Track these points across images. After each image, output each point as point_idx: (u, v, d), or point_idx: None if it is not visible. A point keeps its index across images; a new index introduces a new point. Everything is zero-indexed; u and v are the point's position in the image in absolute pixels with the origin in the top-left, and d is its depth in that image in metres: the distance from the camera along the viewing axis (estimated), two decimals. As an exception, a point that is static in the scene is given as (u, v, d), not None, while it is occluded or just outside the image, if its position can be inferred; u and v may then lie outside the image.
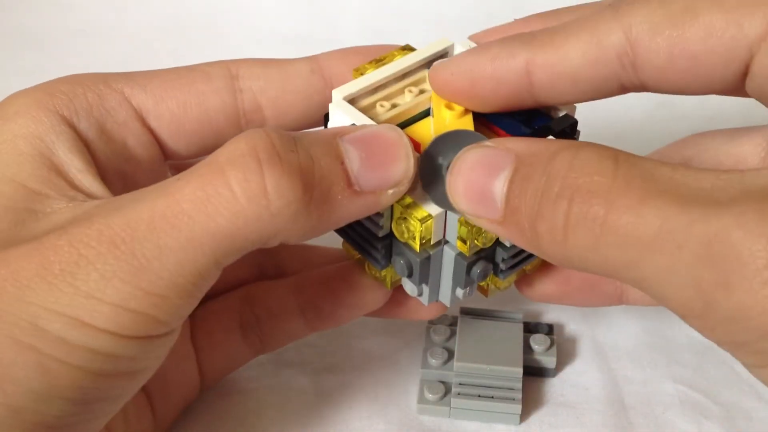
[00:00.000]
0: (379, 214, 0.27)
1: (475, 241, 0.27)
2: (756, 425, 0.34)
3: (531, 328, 0.37)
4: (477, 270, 0.29)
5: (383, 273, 0.30)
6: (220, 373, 0.34)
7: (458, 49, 0.31)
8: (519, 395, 0.34)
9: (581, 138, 0.29)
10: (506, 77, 0.27)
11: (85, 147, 0.28)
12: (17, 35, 0.57)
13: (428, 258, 0.28)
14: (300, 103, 0.31)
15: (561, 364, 0.37)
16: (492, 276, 0.30)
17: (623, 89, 0.27)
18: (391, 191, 0.26)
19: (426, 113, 0.30)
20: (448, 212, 0.27)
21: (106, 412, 0.26)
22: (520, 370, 0.34)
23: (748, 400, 0.35)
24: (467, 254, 0.28)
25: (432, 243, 0.28)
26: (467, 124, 0.28)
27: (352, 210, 0.26)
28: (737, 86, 0.25)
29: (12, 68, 0.54)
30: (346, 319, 0.33)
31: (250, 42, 0.57)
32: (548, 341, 0.36)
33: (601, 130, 0.47)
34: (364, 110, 0.29)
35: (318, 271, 0.34)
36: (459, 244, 0.28)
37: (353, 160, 0.26)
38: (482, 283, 0.31)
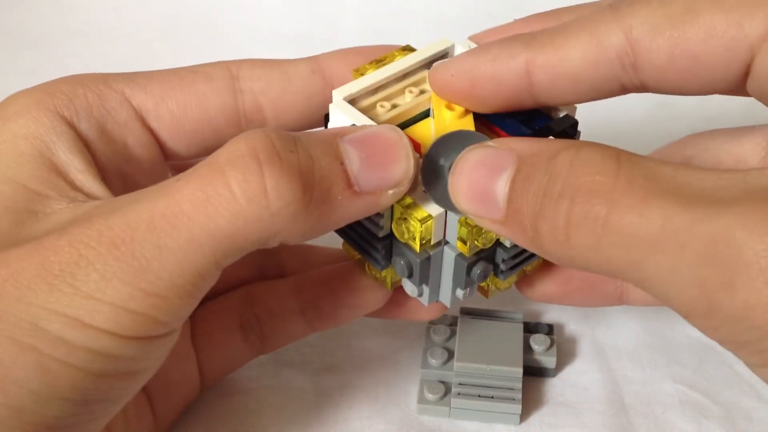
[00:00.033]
0: (379, 215, 0.27)
1: (476, 242, 0.27)
2: (756, 425, 0.34)
3: (531, 328, 0.37)
4: (477, 270, 0.29)
5: (383, 273, 0.30)
6: (220, 373, 0.34)
7: (458, 50, 0.31)
8: (519, 395, 0.34)
9: (582, 138, 0.29)
10: (506, 78, 0.27)
11: (86, 147, 0.28)
12: (17, 35, 0.57)
13: (428, 258, 0.28)
14: (300, 103, 0.31)
15: (561, 364, 0.37)
16: (492, 276, 0.30)
17: (624, 90, 0.27)
18: (391, 192, 0.26)
19: (426, 114, 0.30)
20: (448, 213, 0.27)
21: (107, 412, 0.26)
22: (520, 370, 0.34)
23: (748, 400, 0.35)
24: (467, 255, 0.28)
25: (432, 243, 0.28)
26: (468, 124, 0.28)
27: (352, 210, 0.26)
28: (738, 86, 0.25)
29: (12, 68, 0.54)
30: (347, 319, 0.33)
31: (250, 42, 0.57)
32: (548, 341, 0.36)
33: (602, 131, 0.47)
34: (365, 111, 0.29)
35: (318, 271, 0.34)
36: (459, 244, 0.28)
37: (353, 161, 0.26)
38: (482, 284, 0.31)
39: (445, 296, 0.30)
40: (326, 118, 0.30)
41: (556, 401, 0.35)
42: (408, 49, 0.31)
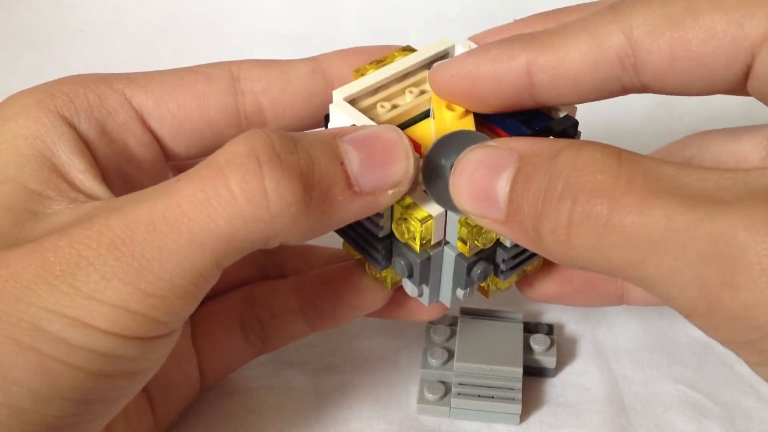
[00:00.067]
0: (379, 215, 0.27)
1: (476, 242, 0.27)
2: (756, 425, 0.34)
3: (531, 328, 0.37)
4: (477, 271, 0.29)
5: (384, 273, 0.30)
6: (220, 373, 0.34)
7: (459, 50, 0.31)
8: (519, 395, 0.34)
9: (582, 138, 0.29)
10: (507, 78, 0.27)
11: (86, 148, 0.28)
12: (17, 35, 0.57)
13: (428, 258, 0.28)
14: (301, 104, 0.31)
15: (561, 364, 0.37)
16: (492, 277, 0.30)
17: (624, 90, 0.27)
18: (391, 192, 0.26)
19: (426, 114, 0.30)
20: (449, 213, 0.27)
21: (107, 412, 0.26)
22: (520, 370, 0.34)
23: (748, 400, 0.35)
24: (467, 255, 0.28)
25: (432, 243, 0.28)
26: (468, 124, 0.28)
27: (352, 211, 0.26)
28: (739, 86, 0.25)
29: (12, 68, 0.54)
30: (347, 319, 0.33)
31: (250, 42, 0.57)
32: (548, 341, 0.36)
33: (602, 131, 0.47)
34: (365, 111, 0.29)
35: (318, 271, 0.34)
36: (459, 244, 0.28)
37: (353, 161, 0.26)
38: (483, 284, 0.31)
39: (445, 296, 0.30)
40: (326, 119, 0.30)
41: (556, 401, 0.35)
42: (408, 49, 0.31)
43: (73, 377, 0.23)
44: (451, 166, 0.26)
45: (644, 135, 0.49)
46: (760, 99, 0.25)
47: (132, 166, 0.30)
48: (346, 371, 0.37)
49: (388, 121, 0.29)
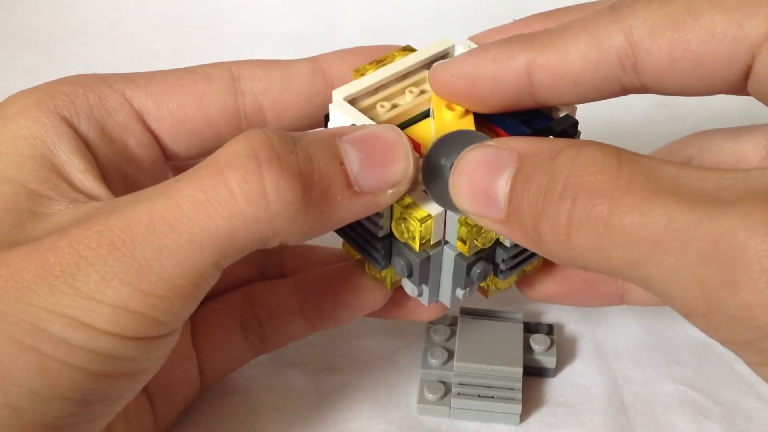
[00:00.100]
0: (378, 215, 0.27)
1: (475, 242, 0.27)
2: (756, 425, 0.34)
3: (531, 328, 0.37)
4: (477, 270, 0.29)
5: (383, 273, 0.30)
6: (220, 373, 0.34)
7: (459, 50, 0.31)
8: (519, 395, 0.34)
9: (582, 138, 0.29)
10: (507, 78, 0.27)
11: (86, 148, 0.28)
12: (17, 35, 0.57)
13: (428, 258, 0.28)
14: (301, 104, 0.31)
15: (561, 364, 0.37)
16: (492, 276, 0.30)
17: (624, 90, 0.27)
18: (390, 191, 0.26)
19: (426, 114, 0.30)
20: (448, 212, 0.27)
21: (107, 412, 0.26)
22: (520, 370, 0.34)
23: (748, 400, 0.35)
24: (467, 254, 0.28)
25: (432, 243, 0.28)
26: (468, 124, 0.28)
27: (352, 210, 0.26)
28: (739, 86, 0.25)
29: (12, 68, 0.54)
30: (347, 319, 0.33)
31: (250, 42, 0.57)
32: (548, 341, 0.36)
33: (602, 131, 0.47)
34: (365, 111, 0.29)
35: (318, 271, 0.34)
36: (459, 244, 0.28)
37: (352, 161, 0.26)
38: (482, 284, 0.31)
39: (444, 296, 0.30)
40: (326, 119, 0.30)
41: (556, 401, 0.35)
42: (408, 49, 0.31)
43: (73, 377, 0.23)
44: (451, 166, 0.26)
45: (644, 135, 0.49)
46: (760, 99, 0.25)
47: (132, 167, 0.30)
48: (346, 371, 0.37)
49: (388, 121, 0.29)
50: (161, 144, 0.31)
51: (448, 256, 0.29)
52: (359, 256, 0.31)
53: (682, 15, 0.24)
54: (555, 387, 0.36)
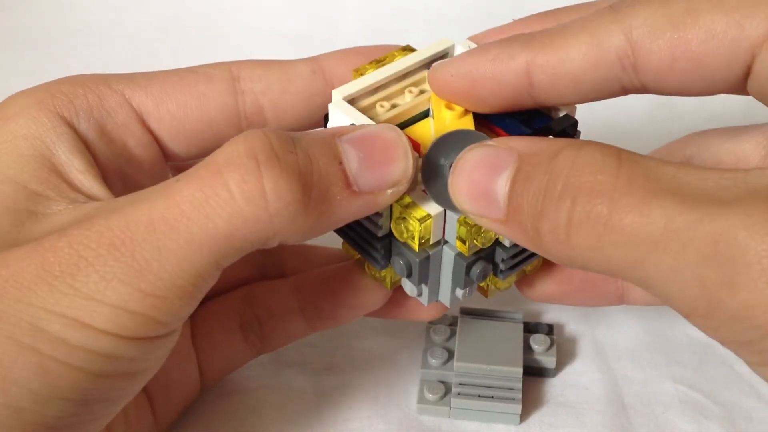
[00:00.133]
0: (378, 214, 0.27)
1: (475, 241, 0.27)
2: (756, 425, 0.34)
3: (531, 328, 0.37)
4: (476, 270, 0.29)
5: (383, 273, 0.30)
6: (220, 373, 0.34)
7: (458, 50, 0.31)
8: (519, 395, 0.34)
9: (582, 138, 0.29)
10: (506, 78, 0.27)
11: (86, 148, 0.28)
12: (17, 35, 0.57)
13: (427, 258, 0.28)
14: (301, 104, 0.31)
15: (561, 364, 0.37)
16: (492, 276, 0.30)
17: (624, 90, 0.27)
18: (389, 191, 0.26)
19: (426, 114, 0.30)
20: (447, 212, 0.27)
21: (107, 412, 0.26)
22: (520, 370, 0.34)
23: (748, 400, 0.35)
24: (466, 254, 0.28)
25: (431, 243, 0.28)
26: (467, 124, 0.28)
27: (351, 210, 0.26)
28: (739, 87, 0.25)
29: (12, 68, 0.54)
30: (346, 319, 0.33)
31: (250, 42, 0.57)
32: (548, 341, 0.36)
33: (602, 131, 0.47)
34: (364, 110, 0.29)
35: (318, 271, 0.34)
36: (458, 244, 0.28)
37: (352, 161, 0.26)
38: (482, 284, 0.31)
39: (444, 296, 0.30)
40: (326, 118, 0.30)
41: (556, 401, 0.35)
42: (408, 49, 0.31)
43: (73, 378, 0.23)
44: (450, 166, 0.26)
45: (644, 135, 0.49)
46: (760, 99, 0.25)
47: (131, 167, 0.30)
48: (345, 371, 0.37)
49: (388, 121, 0.29)
50: (161, 144, 0.31)
51: (448, 256, 0.29)
52: (359, 255, 0.31)
53: (682, 15, 0.24)
54: (555, 387, 0.36)
